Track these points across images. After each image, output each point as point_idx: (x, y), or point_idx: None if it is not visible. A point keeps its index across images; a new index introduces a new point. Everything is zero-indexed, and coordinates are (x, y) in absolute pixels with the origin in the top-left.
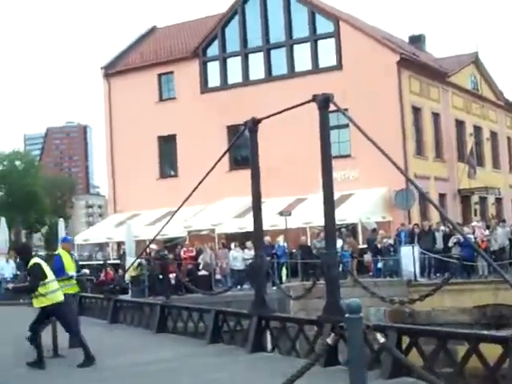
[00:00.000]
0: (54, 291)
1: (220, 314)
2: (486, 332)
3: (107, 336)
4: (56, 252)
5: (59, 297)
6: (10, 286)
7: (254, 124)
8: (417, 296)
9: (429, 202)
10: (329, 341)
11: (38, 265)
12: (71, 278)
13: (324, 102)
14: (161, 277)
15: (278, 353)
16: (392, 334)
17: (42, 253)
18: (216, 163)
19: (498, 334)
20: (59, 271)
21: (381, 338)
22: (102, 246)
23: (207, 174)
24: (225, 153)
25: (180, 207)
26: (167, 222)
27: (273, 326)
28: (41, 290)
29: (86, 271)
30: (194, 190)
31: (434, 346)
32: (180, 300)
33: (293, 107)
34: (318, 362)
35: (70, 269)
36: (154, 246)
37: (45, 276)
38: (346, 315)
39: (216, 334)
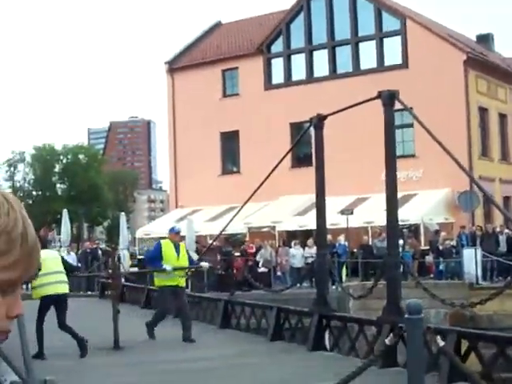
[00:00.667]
0: (44, 285)
1: (282, 311)
2: None
3: (171, 330)
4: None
5: (50, 290)
6: None
7: (319, 121)
8: (478, 299)
9: (493, 204)
10: (387, 341)
11: None
12: (164, 270)
13: (389, 99)
14: (222, 272)
15: (338, 352)
16: (451, 338)
17: (102, 245)
18: (281, 160)
19: None
20: (152, 261)
21: (440, 342)
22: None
23: (272, 171)
24: (290, 149)
25: (246, 203)
26: (232, 218)
27: (333, 325)
28: (34, 282)
29: (205, 264)
30: (259, 187)
31: (494, 351)
32: (242, 296)
33: (358, 104)
34: (376, 362)
35: (170, 260)
36: (215, 243)
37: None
38: (406, 316)
39: (277, 331)
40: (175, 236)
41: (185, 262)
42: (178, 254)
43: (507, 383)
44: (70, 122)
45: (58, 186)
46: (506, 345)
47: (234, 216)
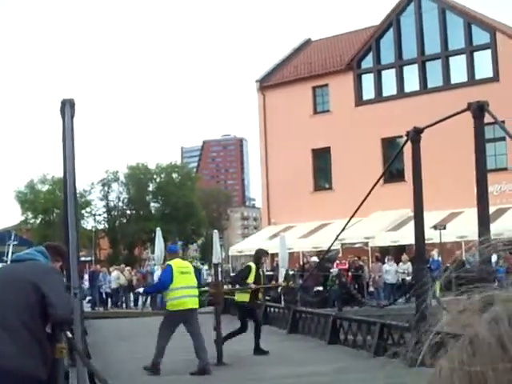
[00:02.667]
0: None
1: (384, 326)
2: None
3: (280, 346)
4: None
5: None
6: None
7: (416, 134)
8: None
9: None
10: None
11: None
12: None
13: (479, 111)
14: (318, 288)
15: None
16: None
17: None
18: (382, 175)
19: None
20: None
21: None
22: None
23: (374, 186)
24: (390, 163)
25: (352, 217)
26: (341, 232)
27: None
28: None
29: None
30: (362, 202)
31: None
32: (347, 312)
33: (450, 116)
34: None
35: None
36: (314, 259)
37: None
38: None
39: (380, 346)
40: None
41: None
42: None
43: None
44: (163, 140)
45: (152, 204)
46: None
47: (341, 230)
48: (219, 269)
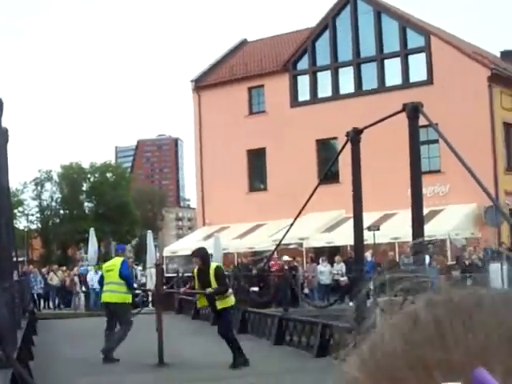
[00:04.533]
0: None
1: (326, 327)
2: None
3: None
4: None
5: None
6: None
7: (355, 134)
8: None
9: (506, 220)
10: None
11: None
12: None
13: (413, 112)
14: (254, 289)
15: None
16: None
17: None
18: (324, 176)
19: None
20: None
21: None
22: (190, 259)
23: (317, 187)
24: (331, 165)
25: (295, 219)
26: (289, 229)
27: None
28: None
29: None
30: (306, 202)
31: None
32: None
33: (386, 118)
34: None
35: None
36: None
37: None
38: None
39: (323, 347)
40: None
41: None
42: None
43: None
44: (97, 140)
45: (86, 204)
46: None
47: (287, 231)
48: (160, 269)
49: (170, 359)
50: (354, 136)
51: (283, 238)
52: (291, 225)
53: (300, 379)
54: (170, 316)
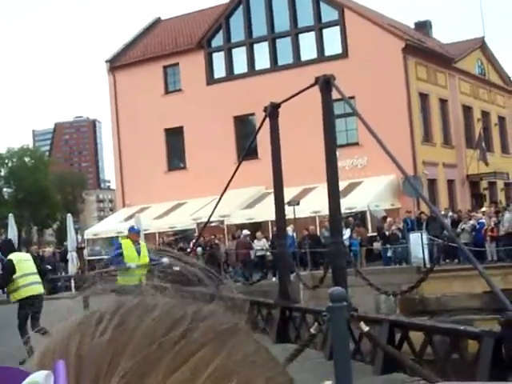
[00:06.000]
0: (22, 286)
1: (254, 303)
2: (462, 327)
3: None
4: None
5: (29, 291)
6: None
7: (273, 109)
8: (426, 283)
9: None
10: (312, 330)
11: (10, 260)
12: (129, 268)
13: (326, 84)
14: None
15: (298, 343)
16: (384, 326)
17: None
18: (246, 152)
19: (473, 330)
20: (116, 261)
21: (365, 327)
22: (112, 241)
23: (239, 164)
24: (251, 141)
25: (222, 196)
26: (216, 207)
27: (295, 315)
28: (10, 285)
29: (166, 260)
30: (231, 179)
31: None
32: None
33: (300, 92)
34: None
35: (132, 259)
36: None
37: (14, 271)
38: (329, 304)
39: (252, 324)
40: (135, 235)
41: (146, 261)
42: (139, 254)
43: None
44: (13, 124)
45: (5, 190)
46: (432, 333)
47: (217, 204)
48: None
49: None
50: (272, 110)
51: (211, 215)
52: (218, 202)
53: None
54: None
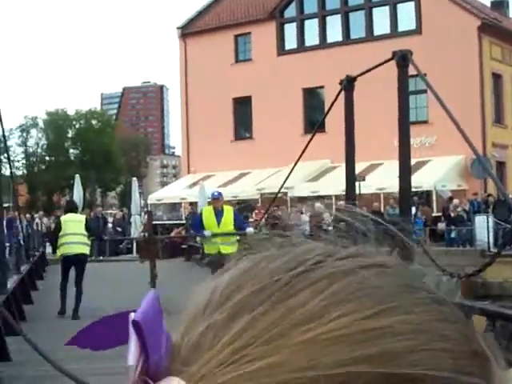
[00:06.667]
0: (64, 244)
1: None
2: None
3: None
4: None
5: (67, 249)
6: None
7: (348, 82)
8: (490, 267)
9: (491, 177)
10: None
11: (58, 219)
12: (204, 236)
13: (402, 60)
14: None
15: None
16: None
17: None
18: (319, 124)
19: None
20: (195, 229)
21: None
22: (175, 206)
23: (311, 139)
24: (327, 112)
25: (294, 167)
26: (289, 175)
27: None
28: (56, 243)
29: (250, 230)
30: (302, 152)
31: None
32: None
33: (376, 66)
34: None
35: (210, 227)
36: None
37: (59, 230)
38: None
39: None
40: (215, 201)
41: (228, 229)
42: (219, 221)
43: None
44: (82, 86)
45: (71, 151)
46: (496, 317)
47: (289, 175)
48: (150, 216)
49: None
50: (348, 84)
51: (282, 186)
52: (290, 173)
53: None
54: (174, 264)
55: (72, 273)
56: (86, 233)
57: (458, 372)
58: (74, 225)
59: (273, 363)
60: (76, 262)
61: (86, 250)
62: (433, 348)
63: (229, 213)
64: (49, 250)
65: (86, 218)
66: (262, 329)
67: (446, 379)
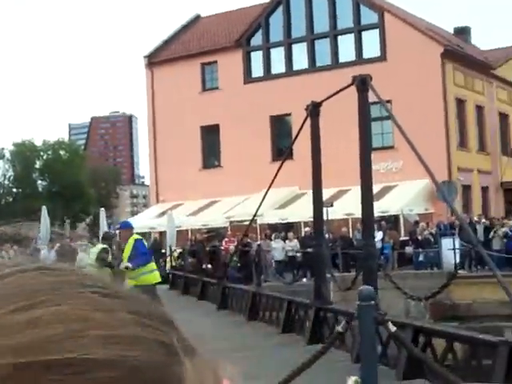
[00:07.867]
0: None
1: (291, 303)
2: (480, 336)
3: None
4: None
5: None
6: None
7: (314, 108)
8: (457, 288)
9: (449, 206)
10: (339, 329)
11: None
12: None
13: (362, 84)
14: (209, 266)
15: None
16: (408, 332)
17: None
18: (288, 152)
19: (490, 338)
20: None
21: (392, 327)
22: (144, 236)
23: (282, 164)
24: (295, 138)
25: (265, 195)
26: (262, 201)
27: (328, 316)
28: None
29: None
30: (273, 180)
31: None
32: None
33: (337, 92)
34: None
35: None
36: (198, 236)
37: None
38: (357, 302)
39: (289, 323)
40: (125, 232)
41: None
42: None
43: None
44: (50, 117)
45: (39, 182)
46: (454, 340)
47: (261, 202)
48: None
49: None
50: (313, 109)
51: (256, 211)
52: (262, 200)
53: (254, 354)
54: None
55: None
56: None
57: (124, 356)
58: None
59: None
60: None
61: None
62: (88, 335)
63: (129, 243)
64: None
65: None
66: None
67: (107, 361)
